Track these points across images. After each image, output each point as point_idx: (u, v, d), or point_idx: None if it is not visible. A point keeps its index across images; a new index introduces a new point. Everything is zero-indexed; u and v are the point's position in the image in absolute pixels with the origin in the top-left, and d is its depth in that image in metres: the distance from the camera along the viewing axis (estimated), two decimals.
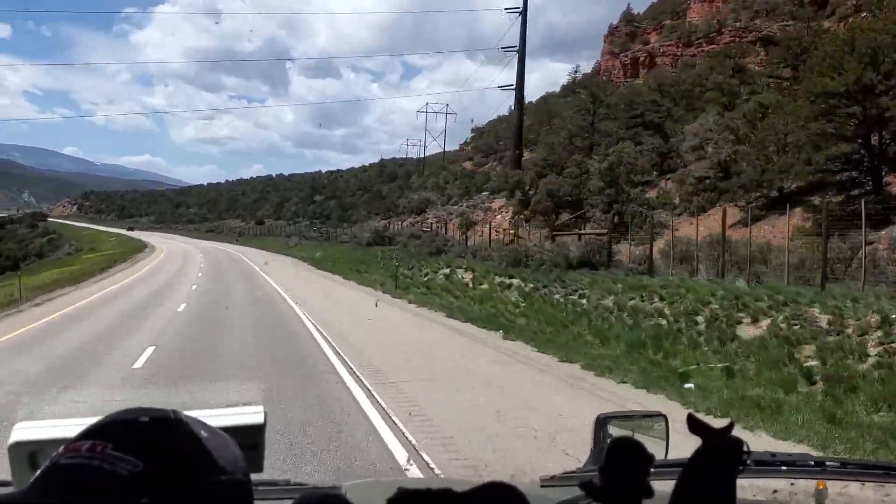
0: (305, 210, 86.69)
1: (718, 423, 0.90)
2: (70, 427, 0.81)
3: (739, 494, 0.88)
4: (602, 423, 1.50)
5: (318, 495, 0.80)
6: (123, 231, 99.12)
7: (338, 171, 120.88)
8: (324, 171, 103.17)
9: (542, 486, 1.44)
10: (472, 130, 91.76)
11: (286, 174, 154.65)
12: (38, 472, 0.66)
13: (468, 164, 69.15)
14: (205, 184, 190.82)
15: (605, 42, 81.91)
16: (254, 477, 0.78)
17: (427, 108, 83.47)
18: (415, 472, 5.14)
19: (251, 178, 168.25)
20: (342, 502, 0.77)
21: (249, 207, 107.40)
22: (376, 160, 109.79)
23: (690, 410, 0.95)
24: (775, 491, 2.99)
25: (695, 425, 0.87)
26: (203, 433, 0.71)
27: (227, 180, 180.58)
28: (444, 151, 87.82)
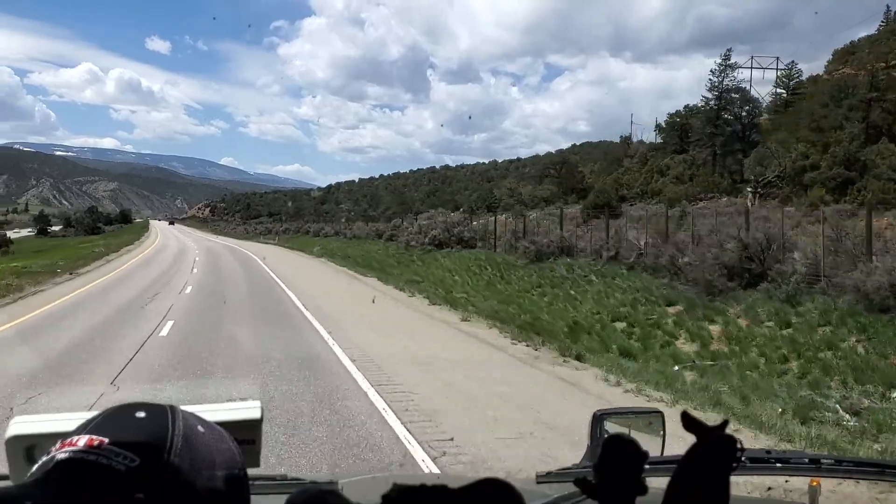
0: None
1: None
2: (67, 421, 0.81)
3: (734, 491, 0.88)
4: (598, 419, 1.51)
5: (314, 491, 0.80)
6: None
7: (517, 159, 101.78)
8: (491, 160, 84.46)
9: (537, 483, 1.45)
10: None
11: (451, 164, 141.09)
12: (36, 466, 0.67)
13: None
14: (355, 179, 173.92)
15: None
16: (250, 472, 0.78)
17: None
18: None
19: (409, 171, 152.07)
20: (337, 498, 0.78)
21: (426, 202, 79.48)
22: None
23: (686, 409, 0.95)
24: (769, 488, 3.01)
25: (689, 423, 0.87)
26: (200, 428, 0.72)
27: (381, 175, 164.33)
28: None
